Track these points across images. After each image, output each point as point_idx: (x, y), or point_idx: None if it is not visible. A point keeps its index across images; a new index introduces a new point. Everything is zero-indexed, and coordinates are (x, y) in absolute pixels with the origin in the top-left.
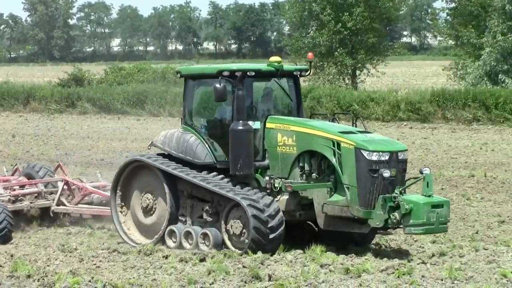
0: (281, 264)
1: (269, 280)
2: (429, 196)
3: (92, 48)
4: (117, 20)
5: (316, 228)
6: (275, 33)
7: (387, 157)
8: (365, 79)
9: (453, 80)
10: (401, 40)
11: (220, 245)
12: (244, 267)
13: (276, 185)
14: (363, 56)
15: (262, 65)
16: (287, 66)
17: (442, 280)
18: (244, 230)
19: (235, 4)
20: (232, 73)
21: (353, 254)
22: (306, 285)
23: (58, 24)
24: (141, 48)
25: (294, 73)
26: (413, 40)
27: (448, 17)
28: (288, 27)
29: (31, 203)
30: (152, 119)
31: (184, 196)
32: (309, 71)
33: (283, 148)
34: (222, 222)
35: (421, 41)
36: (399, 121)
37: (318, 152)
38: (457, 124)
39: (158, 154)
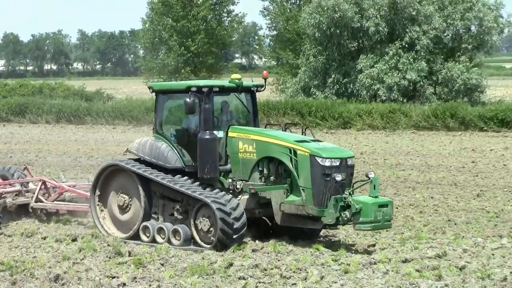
0: (136, 244)
1: (129, 255)
2: (376, 197)
3: None
4: (1, 45)
5: (270, 223)
6: (132, 56)
7: (338, 163)
8: None
9: (275, 93)
10: (234, 61)
11: (189, 240)
12: (108, 245)
13: (238, 186)
14: (204, 74)
15: (225, 82)
16: (246, 82)
17: (268, 253)
18: (211, 228)
19: (99, 32)
20: (199, 89)
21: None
22: (159, 259)
23: None
24: (22, 67)
25: (252, 88)
26: (243, 61)
27: (271, 42)
28: (143, 51)
29: (13, 200)
30: (31, 126)
31: (157, 196)
32: (264, 87)
33: (244, 154)
34: (191, 220)
35: (250, 61)
36: None
37: (276, 158)
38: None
39: (133, 159)
